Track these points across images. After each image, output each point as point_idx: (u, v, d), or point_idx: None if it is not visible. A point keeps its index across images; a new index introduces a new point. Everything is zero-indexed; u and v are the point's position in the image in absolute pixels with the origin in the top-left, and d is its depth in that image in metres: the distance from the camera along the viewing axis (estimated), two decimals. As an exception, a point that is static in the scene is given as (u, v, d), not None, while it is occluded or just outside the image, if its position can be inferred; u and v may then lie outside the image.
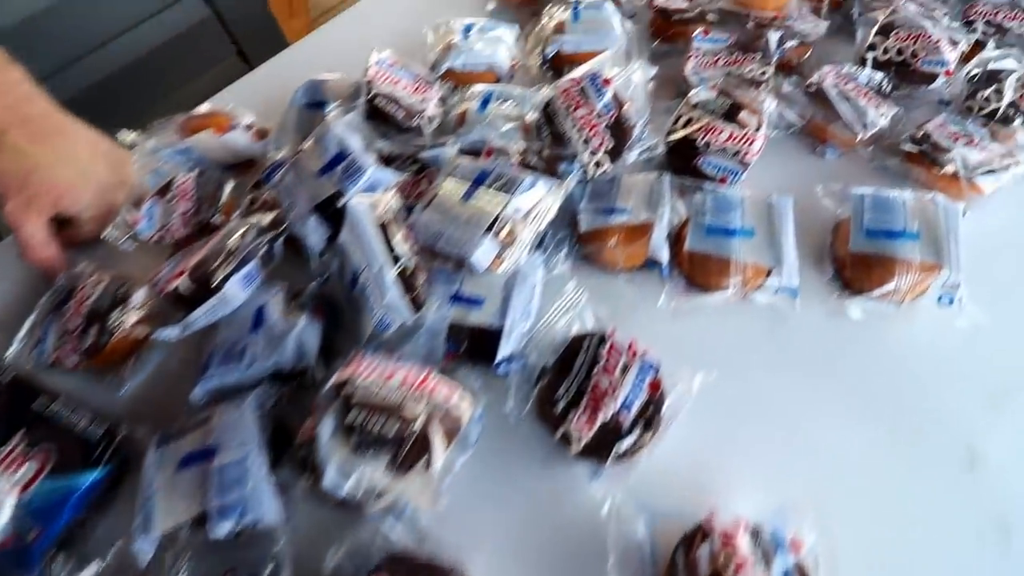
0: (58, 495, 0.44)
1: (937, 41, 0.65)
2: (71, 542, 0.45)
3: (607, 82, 0.60)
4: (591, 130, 0.59)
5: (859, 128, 0.62)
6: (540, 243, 0.59)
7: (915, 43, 0.65)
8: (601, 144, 0.60)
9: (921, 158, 0.61)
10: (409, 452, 0.40)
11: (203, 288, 0.50)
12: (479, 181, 0.52)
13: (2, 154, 0.57)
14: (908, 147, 0.62)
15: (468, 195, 0.51)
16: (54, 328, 0.55)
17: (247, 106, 0.76)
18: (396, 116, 0.65)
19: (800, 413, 0.50)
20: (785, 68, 0.72)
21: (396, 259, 0.49)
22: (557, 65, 0.75)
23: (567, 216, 0.61)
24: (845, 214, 0.59)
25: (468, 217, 0.50)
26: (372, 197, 0.52)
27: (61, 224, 0.63)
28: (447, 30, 0.78)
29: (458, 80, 0.74)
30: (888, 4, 0.72)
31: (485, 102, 0.68)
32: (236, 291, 0.51)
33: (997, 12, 0.71)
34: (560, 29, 0.75)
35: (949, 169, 0.59)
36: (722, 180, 0.60)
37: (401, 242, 0.50)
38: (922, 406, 0.50)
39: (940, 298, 0.51)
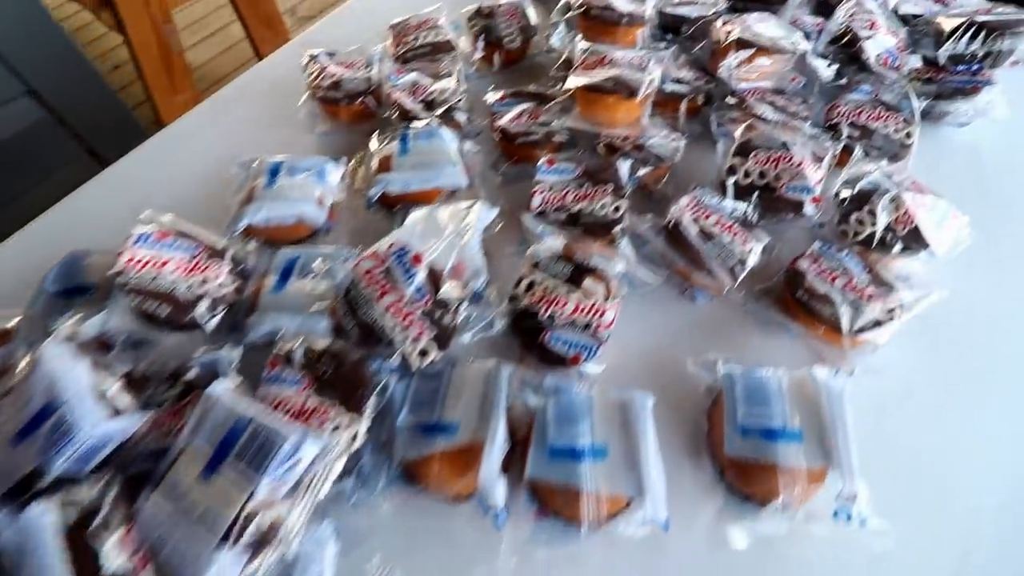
0: None
1: (799, 163, 0.57)
2: None
3: (417, 259, 0.48)
4: (405, 319, 0.47)
5: (725, 275, 0.53)
6: (352, 469, 0.46)
7: (776, 166, 0.58)
8: (421, 333, 0.48)
9: (798, 307, 0.53)
10: None
11: None
12: (226, 446, 0.38)
13: None
14: (782, 293, 0.54)
15: (210, 469, 0.37)
16: None
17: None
18: (160, 315, 0.51)
19: None
20: (644, 190, 0.64)
21: (101, 586, 0.34)
22: (388, 204, 0.63)
23: (386, 427, 0.47)
24: (720, 385, 0.49)
25: (203, 512, 0.35)
26: (69, 492, 0.37)
27: None
28: (257, 169, 0.65)
29: (265, 238, 0.61)
30: (745, 114, 0.65)
31: (285, 275, 0.55)
32: None
33: (860, 111, 0.66)
34: (386, 164, 0.63)
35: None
36: (575, 359, 0.49)
37: (114, 552, 0.36)
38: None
39: (836, 513, 0.41)
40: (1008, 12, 0.69)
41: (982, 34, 0.67)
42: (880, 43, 0.70)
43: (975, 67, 0.70)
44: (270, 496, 0.36)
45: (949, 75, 0.70)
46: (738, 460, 0.44)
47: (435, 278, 0.49)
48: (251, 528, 0.35)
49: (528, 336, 0.51)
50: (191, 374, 0.49)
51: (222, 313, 0.53)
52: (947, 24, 0.70)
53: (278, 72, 0.86)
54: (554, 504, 0.43)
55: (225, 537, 0.34)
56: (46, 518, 0.35)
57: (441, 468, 0.44)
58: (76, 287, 0.56)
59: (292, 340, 0.48)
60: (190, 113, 0.85)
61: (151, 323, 0.52)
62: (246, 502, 0.35)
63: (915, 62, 0.73)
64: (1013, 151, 0.70)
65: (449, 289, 0.48)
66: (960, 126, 0.72)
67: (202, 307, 0.52)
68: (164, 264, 0.52)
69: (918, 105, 0.66)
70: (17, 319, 0.56)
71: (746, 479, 0.44)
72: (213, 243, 0.57)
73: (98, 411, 0.41)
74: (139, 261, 0.52)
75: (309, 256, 0.56)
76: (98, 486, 0.38)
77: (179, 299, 0.51)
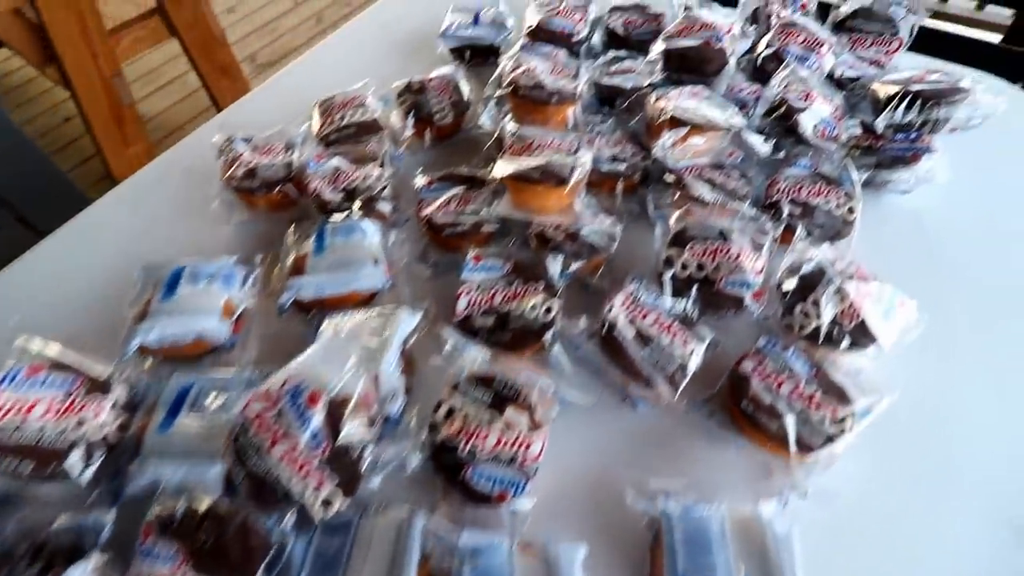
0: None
1: (737, 255, 0.54)
2: None
3: (314, 400, 0.42)
4: (301, 469, 0.41)
5: (665, 385, 0.49)
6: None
7: (714, 259, 0.54)
8: (322, 483, 0.42)
9: (744, 419, 0.48)
10: None
11: None
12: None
13: None
14: (727, 401, 0.50)
15: None
16: None
17: None
18: (23, 473, 0.44)
19: None
20: (579, 282, 0.60)
21: None
22: (303, 309, 0.58)
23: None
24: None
25: None
26: None
27: None
28: (157, 276, 0.59)
29: (163, 356, 0.55)
30: (683, 195, 0.62)
31: (175, 409, 0.49)
32: None
33: (799, 187, 0.63)
34: (300, 265, 0.58)
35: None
36: (501, 497, 0.44)
37: None
38: None
39: None
40: (942, 80, 0.68)
41: (918, 103, 0.66)
42: (816, 113, 0.68)
43: (913, 135, 0.68)
44: None
45: (888, 143, 0.69)
46: (681, 623, 0.38)
47: (335, 419, 0.43)
48: None
49: (449, 472, 0.45)
50: (55, 544, 0.42)
51: (100, 460, 0.47)
52: (883, 91, 0.69)
53: (196, 153, 0.81)
54: None
55: None
56: None
57: (340, 655, 0.38)
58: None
59: (172, 499, 0.42)
60: (104, 199, 0.79)
61: (17, 480, 0.45)
62: None
63: (853, 127, 0.71)
64: (956, 216, 0.69)
65: (351, 431, 0.43)
66: (902, 193, 0.70)
67: (75, 456, 0.45)
68: (31, 408, 0.46)
69: (858, 178, 0.64)
70: None
71: (690, 644, 0.38)
72: (96, 374, 0.50)
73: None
74: (0, 409, 0.45)
75: (205, 384, 0.50)
76: None
77: (46, 451, 0.45)
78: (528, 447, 0.44)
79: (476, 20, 0.88)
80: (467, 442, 0.45)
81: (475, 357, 0.50)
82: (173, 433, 0.47)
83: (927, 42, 0.86)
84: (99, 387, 0.50)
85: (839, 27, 0.83)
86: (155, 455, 0.46)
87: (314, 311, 0.57)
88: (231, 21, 2.94)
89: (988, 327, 0.59)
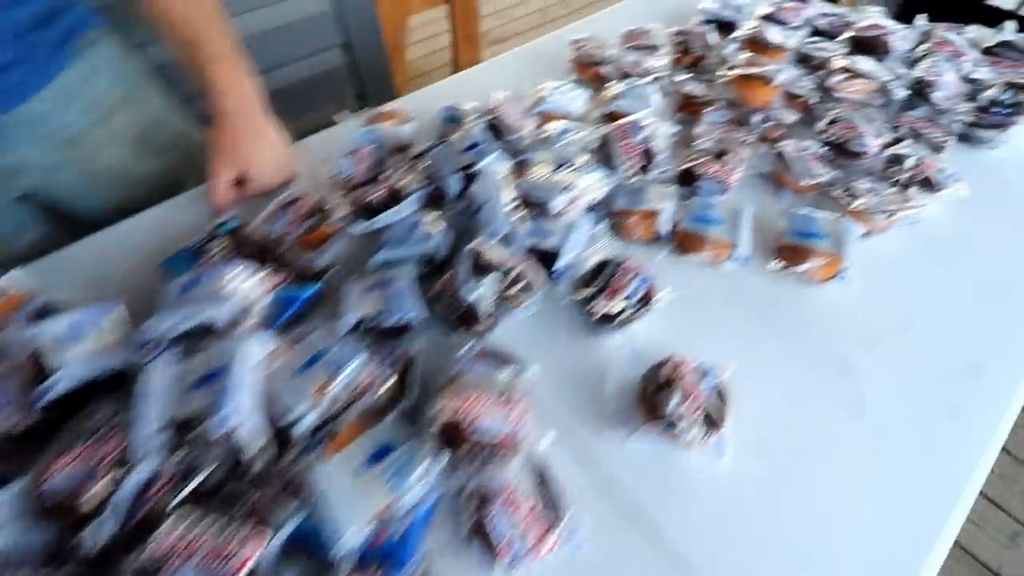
0: (290, 296, 0.76)
1: (863, 133, 0.98)
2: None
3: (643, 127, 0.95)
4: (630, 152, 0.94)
5: (806, 178, 0.95)
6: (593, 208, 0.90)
7: (849, 132, 0.99)
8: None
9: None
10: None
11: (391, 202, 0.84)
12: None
13: (224, 124, 0.86)
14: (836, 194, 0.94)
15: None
16: (284, 217, 0.88)
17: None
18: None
19: (736, 329, 0.79)
20: (765, 141, 1.06)
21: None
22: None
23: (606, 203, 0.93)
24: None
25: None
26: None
27: (238, 182, 0.92)
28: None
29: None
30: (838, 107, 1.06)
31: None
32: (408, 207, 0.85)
33: (916, 122, 1.05)
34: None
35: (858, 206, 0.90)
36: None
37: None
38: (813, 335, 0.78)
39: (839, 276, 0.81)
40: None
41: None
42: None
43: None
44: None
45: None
46: (789, 244, 0.84)
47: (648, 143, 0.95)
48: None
49: (687, 181, 0.95)
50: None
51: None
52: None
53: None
54: (690, 244, 0.86)
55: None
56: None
57: (636, 217, 0.89)
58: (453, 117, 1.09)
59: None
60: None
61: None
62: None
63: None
64: None
65: (657, 144, 0.94)
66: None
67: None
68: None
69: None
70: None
71: (792, 255, 0.84)
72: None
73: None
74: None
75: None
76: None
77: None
78: (731, 175, 0.92)
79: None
80: (701, 167, 0.93)
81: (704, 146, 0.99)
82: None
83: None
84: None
85: (986, 51, 1.20)
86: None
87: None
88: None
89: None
